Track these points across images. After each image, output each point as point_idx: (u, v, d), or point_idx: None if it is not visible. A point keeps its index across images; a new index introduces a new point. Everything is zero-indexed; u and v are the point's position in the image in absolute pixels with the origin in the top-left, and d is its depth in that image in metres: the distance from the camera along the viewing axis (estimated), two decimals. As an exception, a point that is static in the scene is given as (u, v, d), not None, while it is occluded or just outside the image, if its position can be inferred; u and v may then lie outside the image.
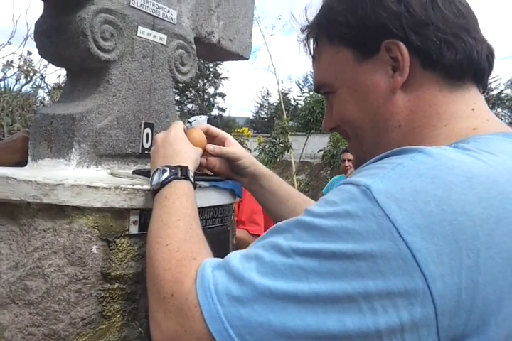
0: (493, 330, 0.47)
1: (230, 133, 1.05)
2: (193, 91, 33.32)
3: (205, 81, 33.32)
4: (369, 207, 0.49)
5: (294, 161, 10.09)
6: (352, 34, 0.67)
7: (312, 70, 0.78)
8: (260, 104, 36.11)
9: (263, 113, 35.96)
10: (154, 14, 1.16)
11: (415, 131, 0.65)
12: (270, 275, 0.51)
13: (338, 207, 0.51)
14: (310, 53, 0.77)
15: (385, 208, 0.48)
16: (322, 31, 0.72)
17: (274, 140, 9.28)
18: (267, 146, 9.25)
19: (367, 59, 0.67)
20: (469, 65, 0.64)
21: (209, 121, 1.22)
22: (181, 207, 0.74)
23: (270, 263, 0.52)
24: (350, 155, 4.49)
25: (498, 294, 0.48)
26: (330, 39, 0.71)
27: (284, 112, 10.24)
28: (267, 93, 34.56)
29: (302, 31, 0.77)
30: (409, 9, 0.63)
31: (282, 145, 9.13)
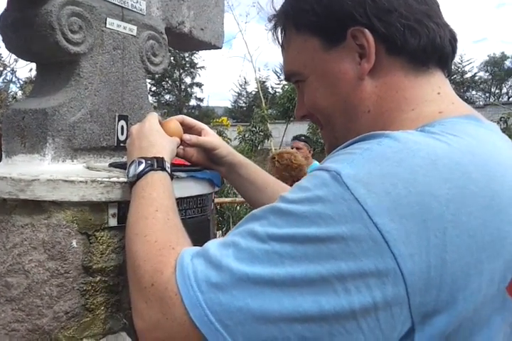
0: (461, 305, 0.50)
1: (209, 123, 1.05)
2: (170, 82, 32.94)
3: (181, 71, 32.96)
4: (339, 192, 0.50)
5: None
6: (318, 22, 0.68)
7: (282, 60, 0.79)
8: (238, 93, 36.01)
9: (241, 102, 35.87)
10: (123, 5, 1.14)
11: (384, 115, 0.67)
12: (247, 261, 0.52)
13: (310, 193, 0.52)
14: (278, 42, 0.77)
15: (354, 192, 0.50)
16: (289, 20, 0.72)
17: (253, 129, 9.26)
18: (246, 135, 9.23)
19: (334, 47, 0.68)
20: (433, 50, 0.65)
21: None
22: (158, 198, 0.75)
23: (247, 249, 0.53)
24: (299, 144, 4.49)
25: (465, 270, 0.50)
26: (297, 28, 0.71)
27: (263, 100, 10.22)
28: (245, 81, 34.46)
29: (270, 20, 0.77)
30: None
31: (262, 133, 9.13)
